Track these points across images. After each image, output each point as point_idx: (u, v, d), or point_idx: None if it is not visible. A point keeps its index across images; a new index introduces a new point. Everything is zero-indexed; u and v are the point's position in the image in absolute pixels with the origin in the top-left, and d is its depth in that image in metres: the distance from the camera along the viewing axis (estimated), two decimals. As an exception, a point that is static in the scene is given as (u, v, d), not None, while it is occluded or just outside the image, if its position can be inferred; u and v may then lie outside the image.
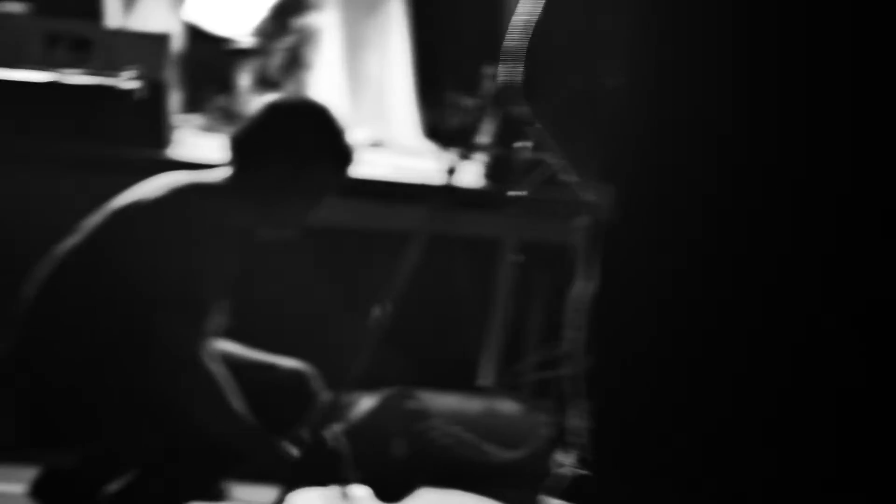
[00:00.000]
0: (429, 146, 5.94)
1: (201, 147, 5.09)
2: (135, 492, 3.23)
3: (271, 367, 3.27)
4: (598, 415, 1.26)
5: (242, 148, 3.28)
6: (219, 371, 3.05)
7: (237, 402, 3.08)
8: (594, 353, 1.25)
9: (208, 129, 5.59)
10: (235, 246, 3.12)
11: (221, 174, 3.29)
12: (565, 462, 1.31)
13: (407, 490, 3.73)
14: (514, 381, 2.48)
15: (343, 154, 3.30)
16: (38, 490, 3.40)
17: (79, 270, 3.16)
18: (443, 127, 6.09)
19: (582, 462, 1.28)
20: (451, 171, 2.65)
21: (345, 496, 3.80)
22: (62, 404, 3.10)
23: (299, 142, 3.26)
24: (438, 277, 5.09)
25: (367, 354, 2.58)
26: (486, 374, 2.47)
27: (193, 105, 5.64)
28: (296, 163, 3.23)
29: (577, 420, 1.28)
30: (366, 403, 3.65)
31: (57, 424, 3.14)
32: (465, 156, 3.36)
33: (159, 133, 4.86)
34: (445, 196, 2.41)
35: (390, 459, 3.67)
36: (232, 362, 3.23)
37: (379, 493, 3.70)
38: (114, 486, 3.40)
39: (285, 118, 3.30)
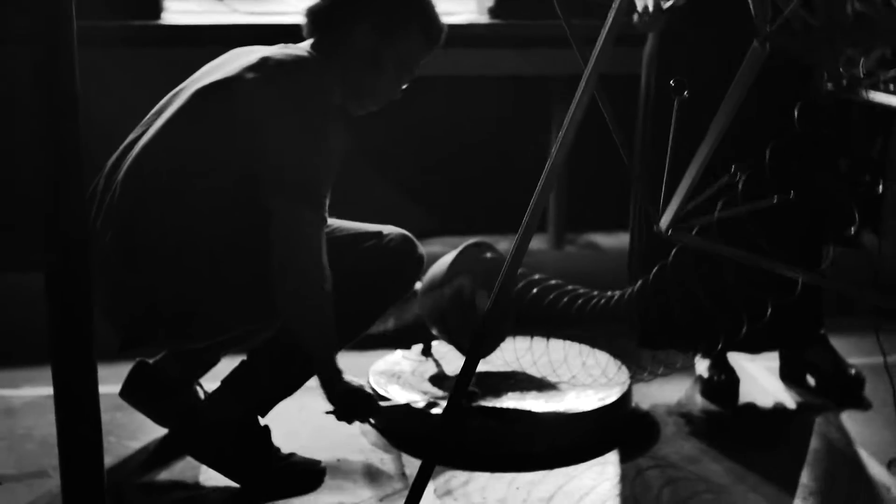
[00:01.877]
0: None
1: (194, 14, 4.90)
2: (239, 383, 3.14)
3: (378, 234, 3.17)
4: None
5: (327, 19, 3.13)
6: (329, 278, 2.95)
7: (332, 328, 3.00)
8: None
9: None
10: (341, 120, 3.01)
11: (303, 48, 3.13)
12: None
13: (493, 342, 3.70)
14: (695, 225, 2.40)
15: (434, 25, 3.16)
16: (130, 390, 3.31)
17: (172, 155, 2.98)
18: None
19: None
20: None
21: (428, 354, 3.77)
22: (166, 298, 2.98)
23: (387, 11, 3.11)
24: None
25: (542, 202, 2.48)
26: (666, 218, 2.39)
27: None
28: (385, 34, 3.09)
29: None
30: (444, 259, 3.58)
31: (161, 319, 3.01)
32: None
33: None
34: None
35: (473, 313, 3.61)
36: (339, 233, 3.13)
37: (465, 349, 3.66)
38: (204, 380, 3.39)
39: None
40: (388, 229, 3.20)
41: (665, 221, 2.41)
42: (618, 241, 5.36)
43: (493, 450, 3.30)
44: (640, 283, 3.41)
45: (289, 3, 5.31)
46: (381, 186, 5.28)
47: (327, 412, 3.08)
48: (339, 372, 3.03)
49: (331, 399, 3.04)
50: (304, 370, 3.12)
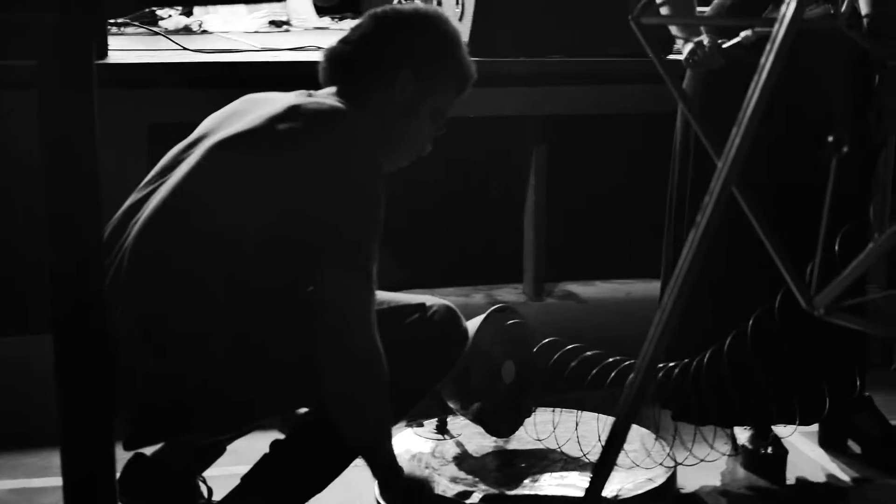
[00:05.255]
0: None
1: (137, 53, 4.49)
2: (263, 480, 2.76)
3: (421, 307, 2.80)
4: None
5: (358, 66, 2.79)
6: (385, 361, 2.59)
7: (390, 419, 2.71)
8: None
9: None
10: (384, 177, 2.65)
11: (329, 96, 2.77)
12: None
13: (520, 417, 3.35)
14: (850, 302, 2.06)
15: (467, 71, 2.87)
16: (125, 489, 2.88)
17: (193, 218, 2.61)
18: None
19: None
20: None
21: (444, 431, 3.41)
22: (188, 386, 2.59)
23: (426, 58, 2.81)
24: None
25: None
26: (824, 298, 2.05)
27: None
28: (425, 83, 2.79)
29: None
30: (469, 325, 3.20)
31: (182, 411, 2.61)
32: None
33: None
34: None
35: (499, 387, 3.26)
36: (380, 305, 2.76)
37: (490, 426, 3.30)
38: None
39: (410, 30, 2.82)
40: (431, 301, 2.84)
41: (822, 302, 2.07)
42: (596, 290, 5.07)
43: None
44: (696, 361, 3.11)
45: (237, 41, 4.96)
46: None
47: None
48: (398, 470, 2.68)
49: (389, 501, 2.72)
50: (339, 460, 2.76)
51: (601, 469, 2.16)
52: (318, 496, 2.75)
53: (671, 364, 3.23)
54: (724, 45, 3.14)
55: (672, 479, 3.16)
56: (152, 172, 2.76)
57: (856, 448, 3.54)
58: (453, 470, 3.16)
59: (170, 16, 5.60)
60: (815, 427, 3.56)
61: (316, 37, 5.17)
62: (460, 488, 3.03)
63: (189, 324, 2.56)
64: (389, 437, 2.70)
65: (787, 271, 2.15)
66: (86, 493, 2.15)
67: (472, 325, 3.21)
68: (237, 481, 2.75)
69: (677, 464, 3.19)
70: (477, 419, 3.26)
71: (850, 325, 2.11)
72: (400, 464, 2.73)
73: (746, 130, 1.98)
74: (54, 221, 2.06)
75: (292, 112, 2.64)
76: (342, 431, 2.62)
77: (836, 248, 2.28)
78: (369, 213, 2.57)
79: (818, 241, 2.18)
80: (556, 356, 3.23)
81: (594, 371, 3.15)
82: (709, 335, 3.15)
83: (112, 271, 2.63)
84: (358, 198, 2.56)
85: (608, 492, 3.01)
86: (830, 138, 2.14)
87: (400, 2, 4.21)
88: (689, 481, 3.30)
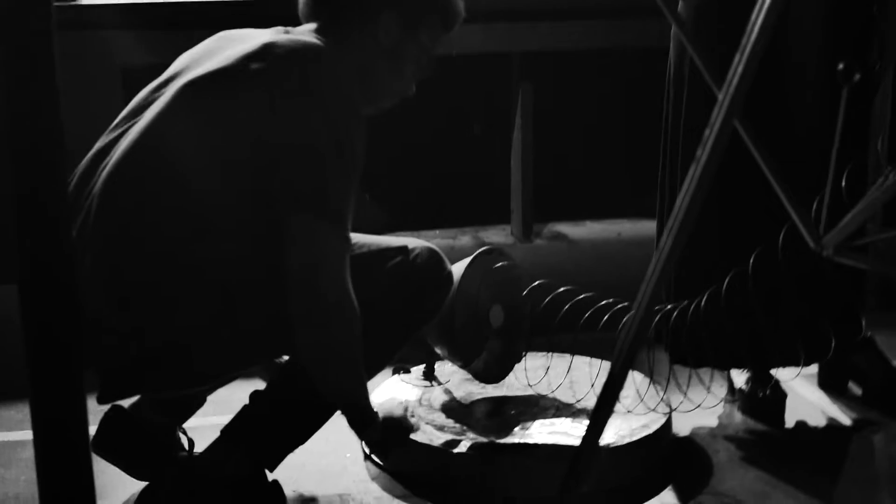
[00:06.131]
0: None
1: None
2: (242, 432, 2.66)
3: (403, 250, 2.69)
4: None
5: (342, 3, 2.66)
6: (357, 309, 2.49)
7: (362, 368, 2.59)
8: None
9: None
10: (363, 120, 2.52)
11: (308, 33, 2.64)
12: None
13: (509, 363, 3.24)
14: (860, 244, 1.95)
15: (453, 10, 2.74)
16: (103, 441, 2.77)
17: (162, 161, 2.48)
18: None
19: None
20: None
21: (431, 378, 3.30)
22: (162, 339, 2.47)
23: None
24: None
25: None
26: (833, 237, 1.93)
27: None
28: (410, 24, 2.66)
29: None
30: (455, 268, 3.08)
31: (155, 364, 2.50)
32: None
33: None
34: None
35: (487, 332, 3.15)
36: (360, 249, 2.65)
37: (478, 372, 3.20)
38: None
39: None
40: (413, 243, 2.73)
41: (832, 241, 1.95)
42: (586, 231, 4.94)
43: (529, 493, 2.84)
44: (694, 303, 3.00)
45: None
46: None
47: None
48: (373, 416, 2.63)
49: (366, 442, 2.80)
50: (321, 411, 2.66)
51: (598, 417, 2.06)
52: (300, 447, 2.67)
53: (669, 306, 3.11)
54: None
55: (668, 424, 3.06)
56: (122, 114, 2.64)
57: (856, 390, 3.43)
58: (441, 417, 3.05)
59: (142, -46, 5.43)
60: (814, 369, 3.46)
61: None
62: (448, 436, 2.92)
63: (159, 273, 2.45)
64: (362, 385, 2.59)
65: (793, 210, 2.03)
66: (57, 446, 2.06)
67: (459, 268, 3.10)
68: (218, 432, 2.65)
69: (672, 409, 3.08)
70: (465, 365, 3.15)
71: (860, 265, 2.00)
72: (377, 409, 2.68)
73: (750, 59, 1.86)
74: (19, 170, 1.96)
75: (267, 50, 2.51)
76: (313, 380, 2.52)
77: (843, 184, 2.16)
78: (343, 158, 2.44)
79: (820, 179, 2.08)
80: (546, 300, 3.10)
81: (586, 314, 3.02)
82: (707, 275, 3.02)
83: (81, 218, 2.51)
84: (332, 141, 2.42)
85: (603, 439, 2.91)
86: (840, 66, 2.02)
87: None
88: (685, 425, 3.20)
